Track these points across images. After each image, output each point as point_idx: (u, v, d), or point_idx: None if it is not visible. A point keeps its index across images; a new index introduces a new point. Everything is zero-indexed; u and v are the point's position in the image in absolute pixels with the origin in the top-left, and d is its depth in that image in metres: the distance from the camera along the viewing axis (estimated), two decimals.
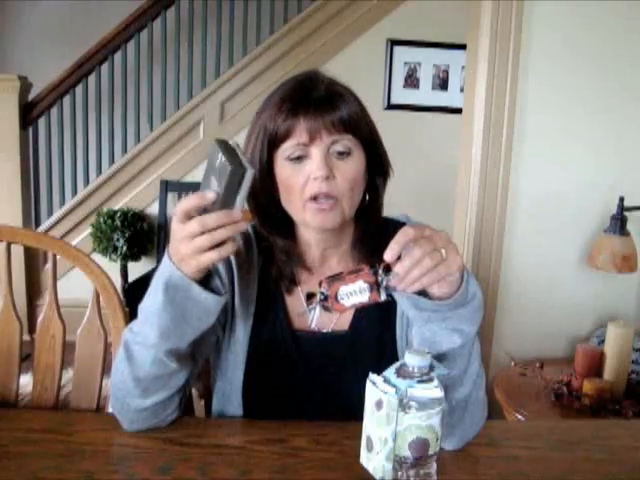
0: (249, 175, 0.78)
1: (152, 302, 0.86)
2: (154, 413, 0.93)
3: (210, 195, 0.78)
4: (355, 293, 0.81)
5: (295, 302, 1.05)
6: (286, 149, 0.94)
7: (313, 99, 0.94)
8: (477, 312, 0.85)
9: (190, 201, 0.79)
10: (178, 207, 0.80)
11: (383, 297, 0.81)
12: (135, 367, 0.90)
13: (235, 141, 0.82)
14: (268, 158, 0.96)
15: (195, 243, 0.79)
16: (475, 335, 0.87)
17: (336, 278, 0.82)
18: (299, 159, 0.94)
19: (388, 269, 0.80)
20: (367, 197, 1.03)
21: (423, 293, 0.82)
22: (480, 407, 0.94)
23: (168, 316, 0.85)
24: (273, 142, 0.95)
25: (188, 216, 0.79)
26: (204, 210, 0.79)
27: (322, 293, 0.82)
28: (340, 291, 0.82)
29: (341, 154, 0.94)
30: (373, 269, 0.81)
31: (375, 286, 0.81)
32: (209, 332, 1.00)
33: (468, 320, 0.84)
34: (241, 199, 0.79)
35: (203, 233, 0.78)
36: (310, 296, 0.87)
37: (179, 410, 0.97)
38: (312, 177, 0.93)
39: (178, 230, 0.80)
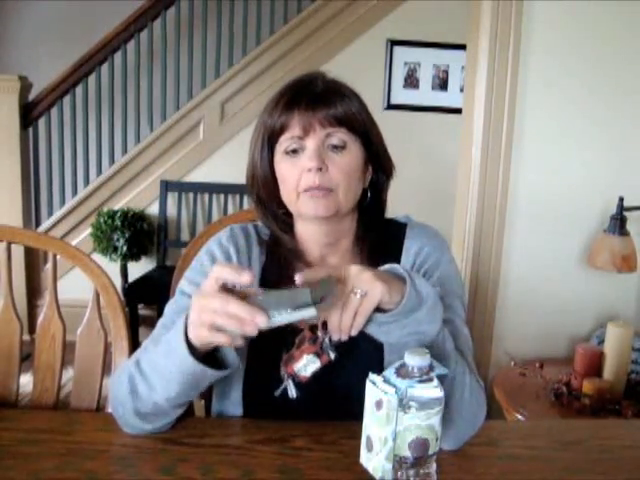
0: (310, 312, 0.75)
1: (164, 366, 0.86)
2: (152, 431, 0.94)
3: (245, 278, 0.75)
4: (308, 365, 0.91)
5: None
6: (282, 143, 0.97)
7: (309, 94, 0.96)
8: (434, 310, 0.84)
9: (225, 272, 0.77)
10: (214, 270, 0.78)
11: (333, 356, 0.91)
12: (138, 403, 0.90)
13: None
14: (269, 154, 0.99)
15: (204, 316, 0.77)
16: (439, 335, 0.86)
17: (289, 359, 0.95)
18: (295, 152, 0.96)
19: (326, 326, 0.83)
20: (369, 194, 1.03)
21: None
22: (472, 407, 0.93)
23: (178, 388, 0.87)
24: (271, 137, 0.98)
25: (220, 285, 0.77)
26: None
27: (284, 376, 0.96)
28: (295, 370, 0.94)
29: (335, 147, 0.96)
30: (313, 338, 0.90)
31: (320, 351, 0.90)
32: None
33: (426, 321, 0.84)
34: (281, 318, 0.75)
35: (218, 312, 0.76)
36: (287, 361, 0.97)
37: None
38: (306, 169, 0.94)
39: (201, 296, 0.78)
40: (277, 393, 0.95)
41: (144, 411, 0.91)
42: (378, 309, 0.82)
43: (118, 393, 0.93)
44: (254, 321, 0.73)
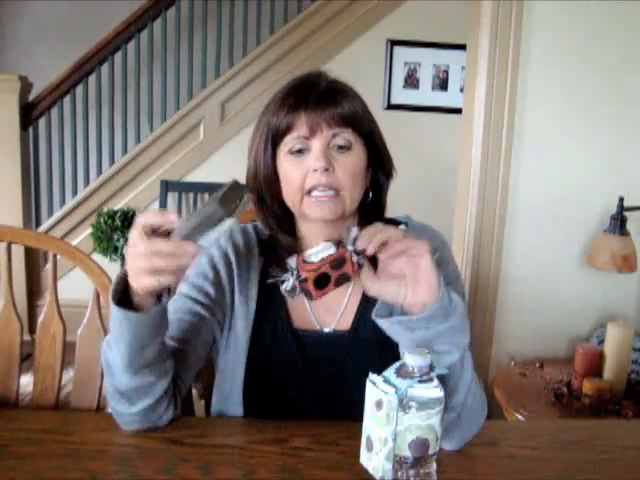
0: (227, 221, 0.77)
1: (112, 326, 0.86)
2: (145, 417, 0.93)
3: (171, 218, 0.76)
4: (322, 251, 0.81)
5: (296, 301, 1.05)
6: (287, 143, 0.96)
7: (314, 94, 0.96)
8: (465, 320, 0.85)
9: (149, 217, 0.77)
10: (138, 218, 0.78)
11: (350, 248, 0.80)
12: (115, 381, 0.90)
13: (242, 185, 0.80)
14: (272, 154, 0.99)
15: (138, 263, 0.77)
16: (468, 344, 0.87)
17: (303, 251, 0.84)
18: (300, 152, 0.96)
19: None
20: (370, 195, 1.03)
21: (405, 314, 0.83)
22: (477, 409, 0.93)
23: (125, 346, 0.85)
24: (275, 137, 0.97)
25: (147, 231, 0.77)
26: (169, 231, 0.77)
27: (291, 267, 0.82)
28: (306, 255, 0.82)
29: (341, 148, 0.96)
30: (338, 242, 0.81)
31: (341, 243, 0.81)
32: (203, 333, 1.01)
33: (460, 330, 0.84)
34: (208, 238, 0.77)
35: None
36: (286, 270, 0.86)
37: (174, 409, 0.97)
38: (312, 169, 0.94)
39: (131, 243, 0.78)
40: (269, 281, 0.88)
41: (122, 388, 0.90)
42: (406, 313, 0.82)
43: (105, 381, 0.93)
44: (184, 252, 0.75)
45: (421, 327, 0.82)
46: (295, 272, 0.81)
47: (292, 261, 0.82)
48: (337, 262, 0.81)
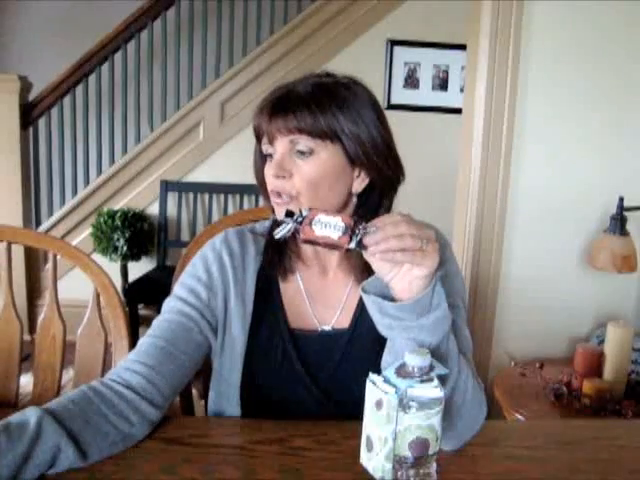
0: None
1: None
2: (122, 441, 0.89)
3: None
4: (329, 227, 0.81)
5: (293, 300, 1.05)
6: (263, 145, 0.99)
7: (274, 103, 0.96)
8: (440, 324, 0.84)
9: None
10: None
11: (352, 245, 0.80)
12: None
13: None
14: (260, 153, 1.01)
15: None
16: (441, 344, 0.85)
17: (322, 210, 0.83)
18: (270, 156, 0.98)
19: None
20: (354, 199, 1.01)
21: (388, 298, 0.83)
22: (473, 409, 0.93)
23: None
24: (256, 138, 1.01)
25: None
26: None
27: (301, 213, 0.82)
28: (317, 217, 0.81)
29: (302, 153, 0.95)
30: (357, 219, 0.81)
31: (350, 231, 0.80)
32: (193, 334, 1.00)
33: (429, 331, 0.83)
34: None
35: None
36: (290, 214, 0.85)
37: (149, 415, 0.92)
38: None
39: None
40: (277, 234, 0.85)
41: None
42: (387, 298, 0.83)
43: None
44: None
45: (392, 316, 0.83)
46: (299, 219, 0.82)
47: (305, 210, 0.82)
48: (333, 247, 0.82)
